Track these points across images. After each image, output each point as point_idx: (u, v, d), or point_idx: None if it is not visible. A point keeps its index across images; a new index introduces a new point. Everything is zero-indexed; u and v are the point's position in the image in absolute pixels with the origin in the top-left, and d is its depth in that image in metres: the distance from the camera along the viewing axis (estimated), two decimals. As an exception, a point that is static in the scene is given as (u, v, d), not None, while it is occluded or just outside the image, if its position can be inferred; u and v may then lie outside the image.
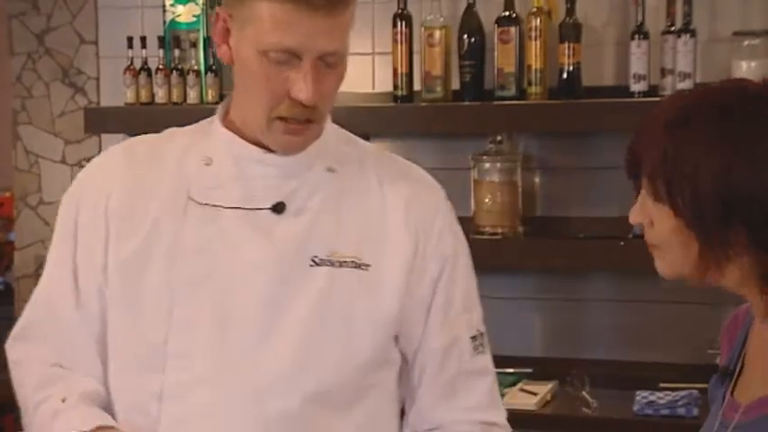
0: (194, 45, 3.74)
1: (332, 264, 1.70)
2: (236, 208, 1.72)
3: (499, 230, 3.47)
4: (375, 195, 1.78)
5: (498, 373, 3.39)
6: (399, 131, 3.66)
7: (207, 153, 1.76)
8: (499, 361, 3.45)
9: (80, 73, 4.00)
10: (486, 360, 1.85)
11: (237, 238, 1.71)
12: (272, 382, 1.66)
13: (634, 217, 1.57)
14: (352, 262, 1.71)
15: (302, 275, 1.69)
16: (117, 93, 3.87)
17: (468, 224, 3.49)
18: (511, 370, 3.49)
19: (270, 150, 1.72)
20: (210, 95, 3.69)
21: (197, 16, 3.72)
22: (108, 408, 1.73)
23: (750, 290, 1.53)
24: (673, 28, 3.32)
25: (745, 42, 3.29)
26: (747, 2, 3.38)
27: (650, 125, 1.54)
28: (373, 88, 3.68)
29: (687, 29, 3.30)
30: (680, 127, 1.50)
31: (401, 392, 1.83)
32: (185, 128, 1.84)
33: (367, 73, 3.69)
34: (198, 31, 3.74)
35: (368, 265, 1.72)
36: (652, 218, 1.54)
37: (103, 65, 3.97)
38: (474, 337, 1.81)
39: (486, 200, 3.48)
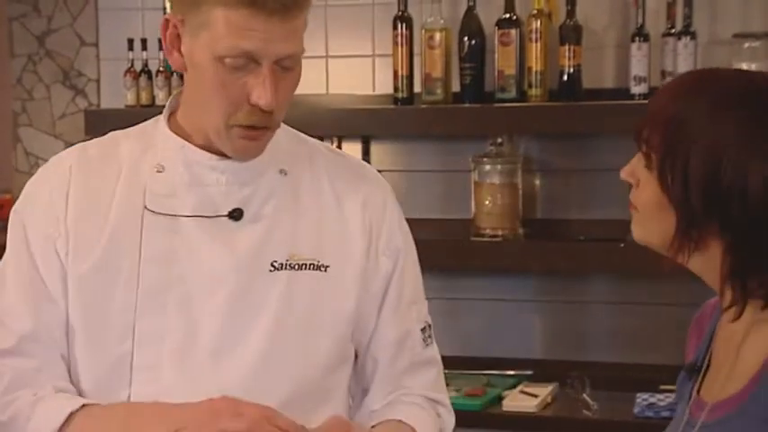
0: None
1: (291, 267, 1.71)
2: (194, 216, 1.71)
3: (499, 232, 3.47)
4: (328, 196, 1.79)
5: (498, 375, 3.47)
6: (400, 133, 3.67)
7: (158, 160, 1.74)
8: (499, 363, 3.52)
9: (80, 75, 4.00)
10: (433, 351, 1.88)
11: (198, 247, 1.70)
12: (237, 391, 1.65)
13: (624, 173, 1.58)
14: (312, 264, 1.72)
15: (263, 282, 1.70)
16: (117, 95, 3.86)
17: (468, 226, 3.53)
18: (511, 372, 3.50)
19: (222, 156, 1.72)
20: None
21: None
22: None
23: (712, 280, 1.54)
24: (673, 30, 3.34)
25: (746, 44, 3.30)
26: (747, 4, 3.39)
27: (663, 94, 1.56)
28: (374, 90, 3.68)
29: (687, 31, 3.32)
30: (687, 99, 1.51)
31: (352, 389, 1.86)
32: (128, 131, 1.81)
33: (367, 75, 3.69)
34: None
35: (327, 266, 1.73)
36: (640, 180, 1.55)
37: (104, 67, 3.97)
38: (423, 329, 1.84)
39: (487, 202, 3.48)
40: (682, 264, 1.55)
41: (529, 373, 3.50)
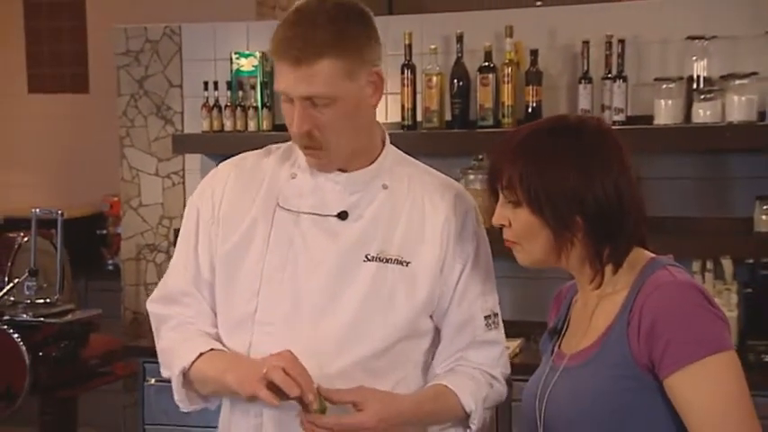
0: (253, 87, 3.71)
1: (380, 260, 1.67)
2: (311, 214, 1.69)
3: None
4: (418, 207, 1.72)
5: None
6: (405, 151, 3.65)
7: (293, 169, 1.73)
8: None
9: (169, 108, 4.00)
10: (497, 334, 1.78)
11: (310, 237, 1.68)
12: (330, 348, 1.65)
13: (496, 219, 1.55)
14: (396, 259, 1.68)
15: (357, 269, 1.67)
16: (196, 123, 3.85)
17: (457, 221, 3.51)
18: (489, 330, 3.49)
19: (340, 170, 1.69)
20: (265, 125, 3.67)
21: (255, 66, 3.72)
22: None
23: (583, 268, 1.55)
24: (610, 75, 3.33)
25: (664, 86, 3.28)
26: (665, 55, 3.38)
27: (505, 149, 1.54)
28: (386, 119, 3.67)
29: (620, 75, 3.31)
30: (530, 147, 1.52)
31: (430, 361, 1.77)
32: (279, 145, 1.79)
33: (380, 108, 3.67)
34: (256, 77, 3.73)
35: (408, 262, 1.68)
36: (510, 219, 1.53)
37: (186, 103, 3.97)
38: (488, 317, 1.75)
39: (471, 203, 3.47)
40: (563, 268, 1.56)
41: (502, 330, 3.49)
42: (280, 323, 1.67)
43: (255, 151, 1.81)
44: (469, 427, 1.72)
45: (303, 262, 1.67)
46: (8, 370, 3.09)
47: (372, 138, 1.74)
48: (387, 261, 1.67)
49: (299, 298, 1.67)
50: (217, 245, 1.73)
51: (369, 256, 1.67)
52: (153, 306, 1.80)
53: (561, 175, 1.49)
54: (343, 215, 1.68)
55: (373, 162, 1.72)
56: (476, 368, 1.75)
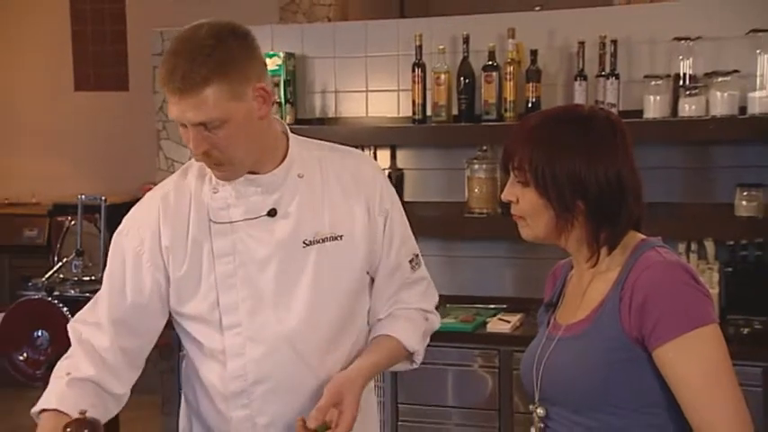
0: (277, 85, 3.66)
1: (317, 242, 1.67)
2: (244, 220, 1.66)
3: (484, 211, 3.45)
4: (334, 185, 1.70)
5: (483, 308, 3.46)
6: (416, 143, 3.65)
7: (212, 184, 1.67)
8: (484, 300, 3.52)
9: (201, 104, 4.00)
10: (421, 272, 1.80)
11: (250, 239, 1.65)
12: (297, 330, 1.65)
13: (505, 195, 1.55)
14: (330, 236, 1.67)
15: (300, 255, 1.66)
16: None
17: (462, 206, 3.51)
18: (492, 306, 3.48)
19: (254, 173, 1.65)
20: (288, 119, 3.64)
21: (279, 65, 3.67)
22: (101, 392, 1.65)
23: (581, 248, 1.53)
24: (603, 72, 3.29)
25: (652, 83, 3.26)
26: (653, 55, 3.35)
27: (520, 132, 1.53)
28: (398, 113, 3.67)
29: (613, 73, 3.28)
30: (542, 133, 1.50)
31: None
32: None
33: (393, 103, 3.67)
34: (279, 75, 3.68)
35: (341, 236, 1.68)
36: (518, 197, 1.52)
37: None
38: (411, 260, 1.77)
39: (476, 190, 3.46)
40: (562, 246, 1.55)
41: (504, 306, 3.47)
42: (246, 323, 1.65)
43: (172, 176, 1.75)
44: (414, 362, 1.78)
45: (250, 263, 1.65)
46: (58, 339, 3.11)
47: (274, 138, 1.68)
48: (323, 241, 1.67)
49: (257, 295, 1.65)
50: (169, 272, 1.67)
51: (306, 242, 1.66)
52: (73, 325, 1.72)
53: (567, 162, 1.47)
54: (272, 212, 1.66)
55: (284, 158, 1.68)
56: (410, 308, 1.77)
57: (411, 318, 1.77)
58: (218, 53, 1.52)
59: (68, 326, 1.73)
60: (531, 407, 1.56)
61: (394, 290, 1.77)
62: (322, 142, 1.79)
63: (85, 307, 1.74)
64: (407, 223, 1.80)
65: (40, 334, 3.19)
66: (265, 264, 1.65)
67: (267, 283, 1.65)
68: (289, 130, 1.74)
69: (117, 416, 3.40)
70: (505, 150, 1.54)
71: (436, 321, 1.83)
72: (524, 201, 1.52)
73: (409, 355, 1.76)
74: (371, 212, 1.72)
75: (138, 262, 1.68)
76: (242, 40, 1.57)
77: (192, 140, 1.56)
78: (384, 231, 1.73)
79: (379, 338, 1.74)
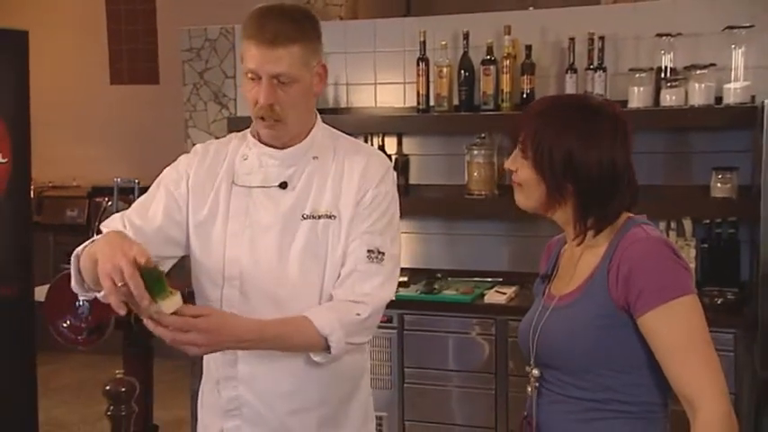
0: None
1: (313, 217, 1.68)
2: (259, 187, 1.71)
3: (483, 193, 3.44)
4: (341, 172, 1.71)
5: (481, 281, 3.46)
6: (421, 131, 3.64)
7: (244, 152, 1.74)
8: (482, 273, 3.52)
9: (225, 96, 3.99)
10: (378, 268, 1.67)
11: (261, 206, 1.70)
12: (285, 293, 1.66)
13: (508, 164, 1.55)
14: (326, 215, 1.68)
15: (296, 226, 1.68)
16: (247, 107, 3.84)
17: (463, 189, 3.50)
18: (489, 279, 3.48)
19: (277, 149, 1.70)
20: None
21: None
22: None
23: (568, 226, 1.54)
24: (591, 66, 3.28)
25: (637, 75, 3.25)
26: (638, 49, 3.33)
27: (532, 110, 1.54)
28: (404, 104, 3.65)
29: (600, 66, 3.27)
30: (549, 114, 1.50)
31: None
32: (237, 134, 1.79)
33: (400, 95, 3.66)
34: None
35: (335, 216, 1.68)
36: (518, 167, 1.53)
37: (239, 91, 3.95)
38: (371, 251, 1.67)
39: (475, 174, 3.45)
40: (549, 217, 1.55)
41: (500, 279, 3.47)
42: (243, 278, 1.68)
43: (221, 139, 1.81)
44: (329, 348, 1.60)
45: (256, 226, 1.69)
46: (98, 310, 3.13)
47: (311, 118, 1.74)
48: (318, 217, 1.68)
49: (257, 255, 1.67)
50: (187, 212, 1.71)
51: (304, 215, 1.68)
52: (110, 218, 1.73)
53: (565, 144, 1.47)
54: (283, 185, 1.70)
55: (305, 138, 1.71)
56: (346, 299, 1.65)
57: (334, 307, 1.65)
58: (305, 23, 1.63)
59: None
60: (527, 368, 1.57)
61: (346, 272, 1.67)
62: (346, 136, 1.80)
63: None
64: (393, 230, 1.72)
65: (81, 303, 3.20)
66: (268, 229, 1.68)
67: (266, 247, 1.68)
68: (320, 120, 1.77)
69: (152, 372, 3.36)
70: (516, 124, 1.55)
71: (370, 321, 1.66)
72: (523, 172, 1.52)
73: (324, 341, 1.60)
74: (361, 202, 1.69)
75: (168, 191, 1.73)
76: (316, 23, 1.67)
77: (264, 91, 1.60)
78: (353, 213, 1.68)
79: (294, 316, 1.63)
